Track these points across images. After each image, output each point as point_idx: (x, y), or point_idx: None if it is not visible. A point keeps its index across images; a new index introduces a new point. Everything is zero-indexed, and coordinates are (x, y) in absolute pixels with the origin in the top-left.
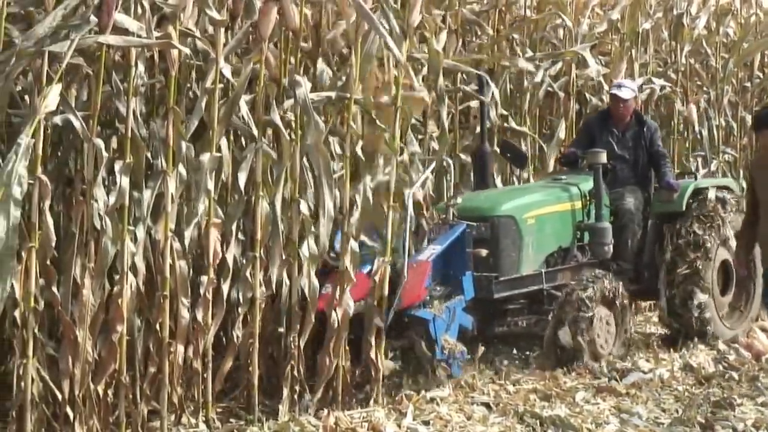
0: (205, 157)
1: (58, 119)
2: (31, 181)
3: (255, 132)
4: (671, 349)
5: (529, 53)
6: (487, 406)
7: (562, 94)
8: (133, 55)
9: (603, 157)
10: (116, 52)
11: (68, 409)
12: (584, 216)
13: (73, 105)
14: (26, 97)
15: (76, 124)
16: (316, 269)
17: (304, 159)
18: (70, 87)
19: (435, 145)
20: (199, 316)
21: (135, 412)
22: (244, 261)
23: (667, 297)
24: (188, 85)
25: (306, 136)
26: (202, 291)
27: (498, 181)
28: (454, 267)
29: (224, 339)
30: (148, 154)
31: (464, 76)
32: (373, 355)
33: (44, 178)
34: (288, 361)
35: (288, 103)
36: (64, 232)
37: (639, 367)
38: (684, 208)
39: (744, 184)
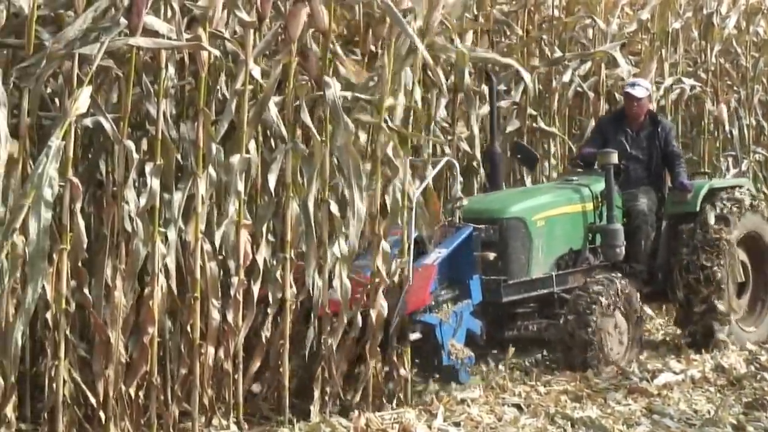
0: (235, 159)
1: (88, 121)
2: (62, 183)
3: (285, 133)
4: (702, 350)
5: (558, 53)
6: (518, 407)
7: (591, 94)
8: (163, 57)
9: (614, 157)
10: (146, 54)
11: (100, 411)
12: (596, 217)
13: (104, 107)
14: (57, 100)
15: (107, 126)
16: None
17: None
18: (101, 89)
19: (465, 146)
20: (230, 317)
21: (166, 414)
22: (275, 262)
23: (681, 300)
24: (217, 86)
25: (336, 137)
26: (232, 292)
27: (528, 181)
28: (461, 270)
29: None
30: (178, 156)
31: (494, 77)
32: (396, 357)
33: (75, 180)
34: (319, 363)
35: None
36: (95, 234)
37: (670, 367)
38: (698, 208)
39: None
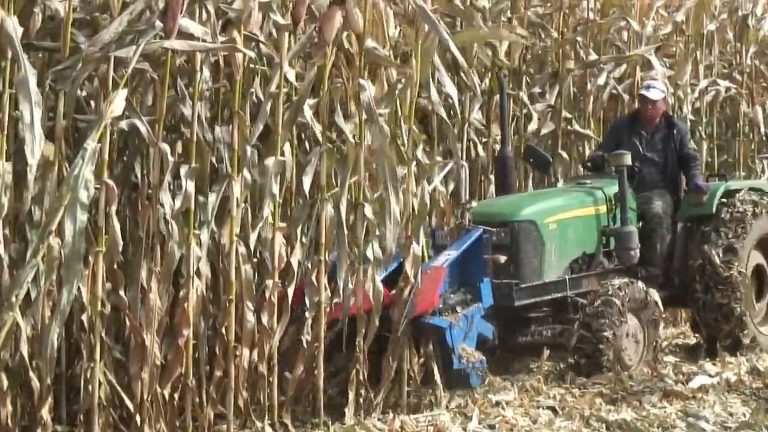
0: (270, 161)
1: (123, 124)
2: (97, 186)
3: (319, 135)
4: (737, 353)
5: (593, 56)
6: (552, 410)
7: (626, 97)
8: (198, 59)
9: (627, 159)
10: (181, 57)
11: (135, 413)
12: (610, 220)
13: (139, 110)
14: (92, 102)
15: (142, 128)
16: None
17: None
18: (136, 92)
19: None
20: (265, 320)
21: (201, 416)
22: (309, 265)
23: (698, 304)
24: (252, 89)
25: (372, 141)
26: (267, 295)
27: (561, 183)
28: (471, 273)
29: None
30: (213, 159)
31: (528, 80)
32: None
33: (110, 182)
34: (353, 365)
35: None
36: (130, 237)
37: (705, 370)
38: (714, 210)
39: None
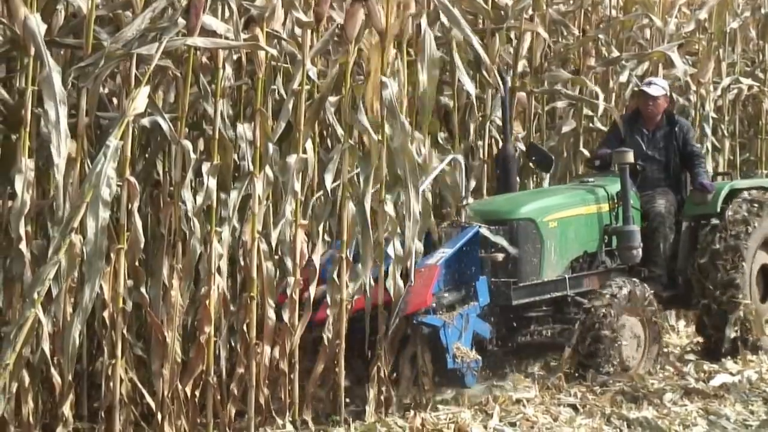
0: (292, 159)
1: (146, 121)
2: (119, 183)
3: (341, 133)
4: (758, 351)
5: (615, 53)
6: (573, 407)
7: None
8: (220, 57)
9: (630, 157)
10: (203, 54)
11: (156, 410)
12: (612, 219)
13: (161, 107)
14: (115, 100)
15: (164, 125)
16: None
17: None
18: (158, 89)
19: (521, 146)
20: (286, 317)
21: (222, 413)
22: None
23: (702, 305)
24: (274, 86)
25: (392, 138)
26: (288, 292)
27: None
28: (467, 271)
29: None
30: (235, 156)
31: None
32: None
33: (132, 179)
34: (374, 363)
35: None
36: (151, 234)
37: (727, 368)
38: (718, 210)
39: None
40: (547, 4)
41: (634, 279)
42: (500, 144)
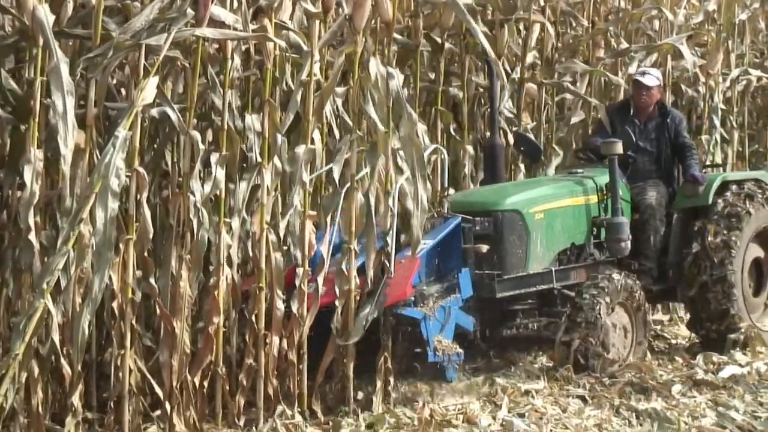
0: (300, 149)
1: (154, 112)
2: (128, 174)
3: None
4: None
5: (624, 45)
6: (582, 398)
7: None
8: (229, 47)
9: (618, 147)
10: (212, 45)
11: (165, 400)
12: (600, 211)
13: (170, 97)
14: (123, 90)
15: (173, 116)
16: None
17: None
18: (166, 80)
19: (531, 137)
20: (294, 308)
21: (231, 404)
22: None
23: (692, 300)
24: (282, 77)
25: (400, 129)
26: (297, 283)
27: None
28: (449, 263)
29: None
30: (243, 147)
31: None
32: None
33: (141, 170)
34: (381, 354)
35: None
36: (160, 224)
37: (736, 360)
38: (710, 202)
39: None
40: None
41: (623, 271)
42: (509, 135)
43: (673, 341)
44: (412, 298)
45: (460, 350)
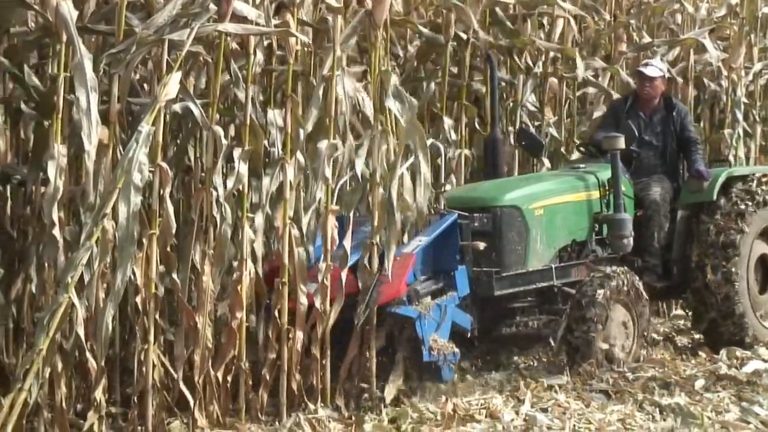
0: (323, 144)
1: (177, 107)
2: (151, 169)
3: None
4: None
5: (647, 39)
6: (605, 393)
7: (680, 80)
8: (251, 43)
9: (621, 142)
10: (234, 40)
11: (188, 395)
12: (602, 207)
13: (192, 93)
14: (146, 86)
15: (195, 111)
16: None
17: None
18: (189, 75)
19: (553, 131)
20: (317, 302)
21: (254, 399)
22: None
23: (697, 298)
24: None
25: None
26: (320, 278)
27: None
28: (445, 261)
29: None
30: (266, 142)
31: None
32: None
33: (164, 165)
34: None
35: None
36: (183, 219)
37: (759, 355)
38: (715, 198)
39: None
40: None
41: (624, 268)
42: (531, 130)
43: (696, 336)
44: (406, 297)
45: (457, 349)
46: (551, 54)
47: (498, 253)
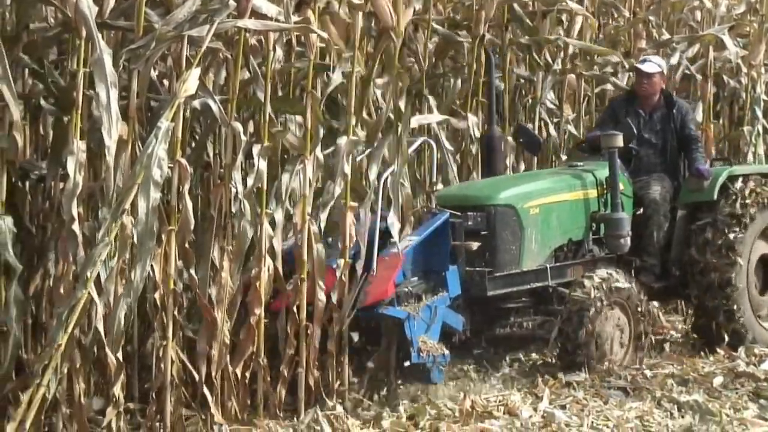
0: (342, 141)
1: (196, 103)
2: (170, 165)
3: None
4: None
5: (666, 35)
6: (623, 390)
7: (699, 77)
8: (271, 39)
9: (619, 140)
10: (254, 36)
11: (206, 391)
12: (600, 206)
13: (211, 89)
14: (165, 82)
15: (215, 108)
16: None
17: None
18: (208, 71)
19: (571, 128)
20: (335, 299)
21: (272, 395)
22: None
23: (696, 299)
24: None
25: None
26: (338, 274)
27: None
28: (436, 260)
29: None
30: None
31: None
32: None
33: (184, 161)
34: None
35: None
36: (202, 215)
37: None
38: (715, 197)
39: None
40: None
41: (619, 269)
42: (550, 127)
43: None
44: (395, 297)
45: (446, 351)
46: (570, 50)
47: (492, 252)
